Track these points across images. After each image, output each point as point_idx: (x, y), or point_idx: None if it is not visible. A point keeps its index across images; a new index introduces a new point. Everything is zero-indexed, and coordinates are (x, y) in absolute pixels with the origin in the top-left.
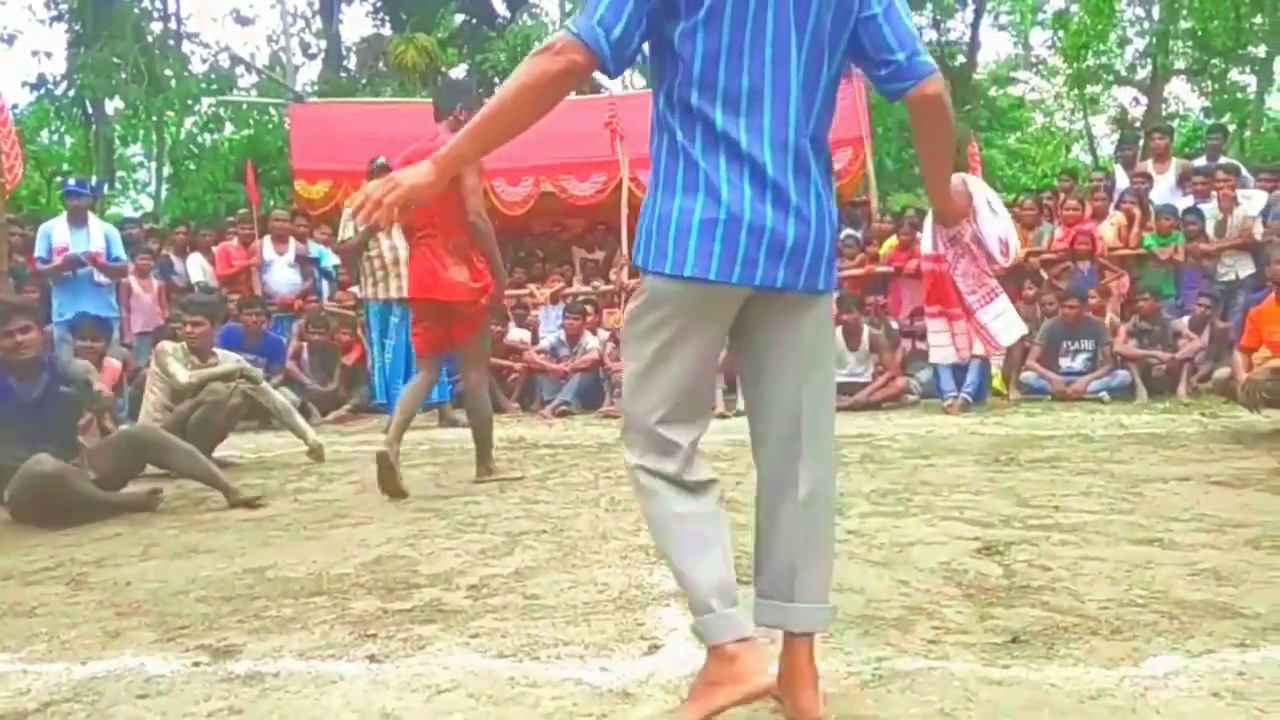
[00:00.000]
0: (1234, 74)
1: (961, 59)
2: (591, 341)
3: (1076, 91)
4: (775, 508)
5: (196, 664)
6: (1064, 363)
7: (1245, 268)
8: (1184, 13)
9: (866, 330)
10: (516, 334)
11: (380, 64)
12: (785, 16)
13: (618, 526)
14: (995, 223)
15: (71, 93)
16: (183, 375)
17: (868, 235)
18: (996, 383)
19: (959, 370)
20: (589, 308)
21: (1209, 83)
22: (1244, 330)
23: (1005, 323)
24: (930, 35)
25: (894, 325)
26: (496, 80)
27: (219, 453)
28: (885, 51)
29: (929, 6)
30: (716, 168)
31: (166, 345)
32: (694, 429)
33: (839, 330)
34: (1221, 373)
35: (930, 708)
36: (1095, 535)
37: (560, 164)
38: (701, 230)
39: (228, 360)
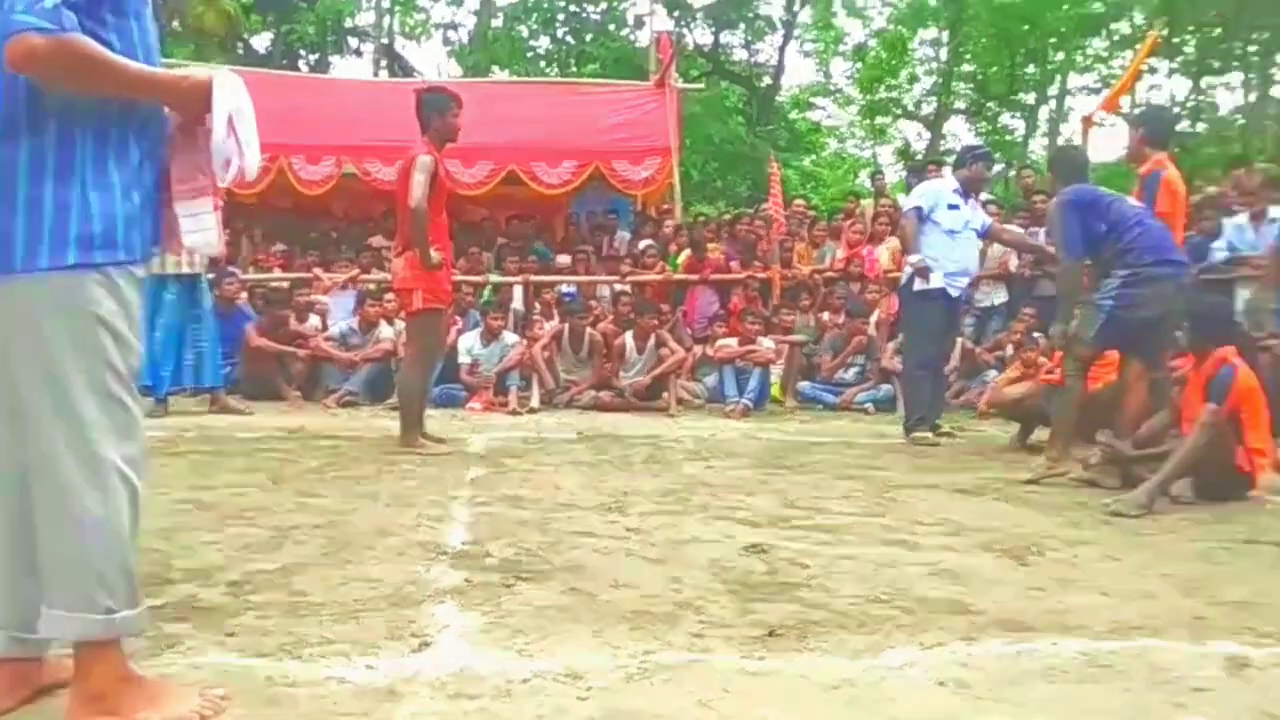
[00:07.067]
0: (1005, 117)
1: (768, 80)
2: (386, 331)
3: (868, 121)
4: None
5: None
6: (837, 374)
7: (1000, 296)
8: (967, 56)
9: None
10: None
11: (176, 24)
12: None
13: (398, 522)
14: (227, 143)
15: None
16: None
17: (664, 242)
18: (775, 390)
19: (742, 376)
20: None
21: (984, 123)
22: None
23: (197, 224)
24: (741, 55)
25: (688, 331)
26: (303, 53)
27: None
28: None
29: (742, 26)
30: None
31: None
32: None
33: (628, 334)
34: (1014, 390)
35: (690, 699)
36: (851, 536)
37: (365, 146)
38: None
39: None
